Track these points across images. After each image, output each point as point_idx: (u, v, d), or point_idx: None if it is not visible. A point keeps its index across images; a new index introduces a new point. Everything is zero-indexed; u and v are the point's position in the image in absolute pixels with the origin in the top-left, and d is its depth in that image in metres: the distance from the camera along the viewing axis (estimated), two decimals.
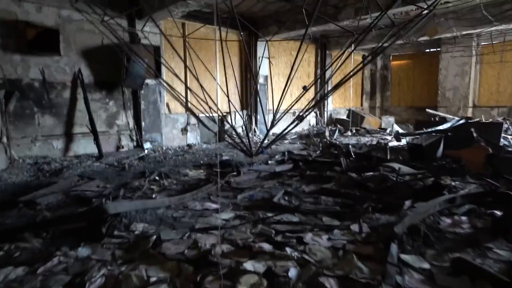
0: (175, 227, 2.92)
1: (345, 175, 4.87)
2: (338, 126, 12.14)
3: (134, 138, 7.23)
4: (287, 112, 5.71)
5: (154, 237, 2.61)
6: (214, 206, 3.59)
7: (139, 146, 7.20)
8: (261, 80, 10.02)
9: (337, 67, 4.72)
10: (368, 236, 2.71)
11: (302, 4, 8.04)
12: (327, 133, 10.11)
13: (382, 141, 9.10)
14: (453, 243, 2.60)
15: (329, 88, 12.93)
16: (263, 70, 10.21)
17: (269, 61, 10.13)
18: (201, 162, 6.24)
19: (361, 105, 15.48)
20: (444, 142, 5.85)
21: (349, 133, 11.65)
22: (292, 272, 2.06)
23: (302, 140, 9.86)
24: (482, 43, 12.63)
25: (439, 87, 13.61)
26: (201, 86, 5.53)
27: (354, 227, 2.94)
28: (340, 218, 3.19)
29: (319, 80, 12.67)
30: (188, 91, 8.28)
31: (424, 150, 5.65)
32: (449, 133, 5.48)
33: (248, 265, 2.14)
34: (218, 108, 5.95)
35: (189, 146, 8.07)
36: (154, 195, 3.76)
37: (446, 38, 12.65)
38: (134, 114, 7.22)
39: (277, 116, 5.45)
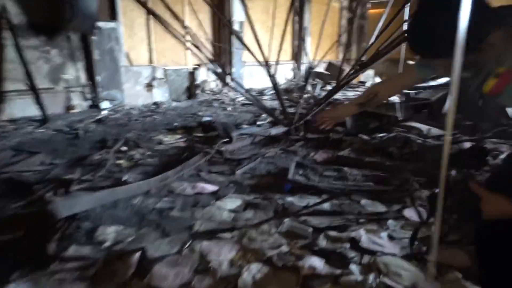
0: (165, 230, 1.99)
1: (355, 137, 4.11)
2: (317, 79, 11.30)
3: (89, 96, 5.87)
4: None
5: (137, 254, 1.67)
6: (210, 188, 2.67)
7: (95, 106, 5.89)
8: (235, 27, 8.70)
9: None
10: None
11: None
12: (309, 88, 9.25)
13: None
14: None
15: (307, 37, 11.91)
16: (238, 15, 8.86)
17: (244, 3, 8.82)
18: (175, 124, 5.16)
19: (337, 57, 14.64)
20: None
21: (329, 87, 10.90)
22: None
23: (283, 95, 8.94)
24: None
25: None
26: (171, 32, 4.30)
27: (409, 213, 2.20)
28: (382, 199, 2.44)
29: (297, 30, 11.51)
30: (153, 39, 6.88)
31: (432, 106, 5.00)
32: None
33: None
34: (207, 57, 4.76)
35: (156, 104, 6.85)
36: (125, 177, 2.74)
37: None
38: (86, 66, 5.78)
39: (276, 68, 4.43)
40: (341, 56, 14.99)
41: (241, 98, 8.03)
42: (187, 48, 3.72)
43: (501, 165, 1.36)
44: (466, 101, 4.18)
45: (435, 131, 3.77)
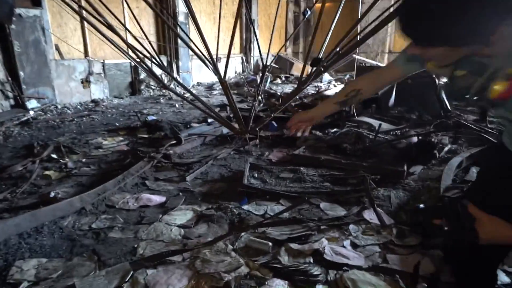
0: (102, 258, 1.68)
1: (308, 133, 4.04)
2: (267, 73, 11.23)
3: (10, 94, 5.12)
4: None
5: None
6: (157, 199, 2.39)
7: (20, 105, 5.16)
8: (181, 18, 8.23)
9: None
10: (400, 232, 1.92)
11: None
12: (259, 81, 9.11)
13: (315, 88, 8.59)
14: None
15: (256, 30, 11.75)
16: (183, 6, 8.41)
17: None
18: (117, 124, 4.69)
19: (285, 50, 14.72)
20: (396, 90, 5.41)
21: (279, 80, 10.91)
22: None
23: (233, 90, 8.71)
24: None
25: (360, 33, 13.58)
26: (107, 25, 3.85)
27: (369, 215, 2.14)
28: (340, 201, 2.36)
29: (245, 22, 11.30)
30: (86, 29, 6.20)
31: (379, 100, 5.14)
32: (409, 80, 5.02)
33: None
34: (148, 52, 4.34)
35: (95, 102, 6.23)
36: (53, 192, 2.32)
37: None
38: (5, 60, 5.02)
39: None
40: (289, 49, 15.14)
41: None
42: (124, 42, 3.32)
43: (481, 179, 1.24)
44: (424, 97, 4.25)
45: (385, 126, 3.82)
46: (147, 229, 1.95)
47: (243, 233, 1.86)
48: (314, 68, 2.80)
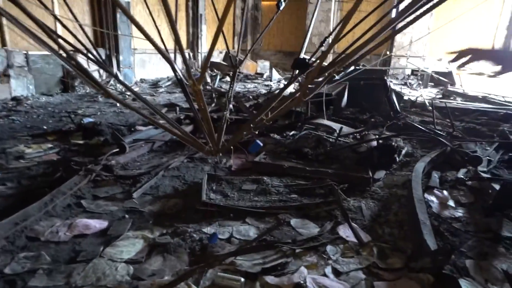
0: None
1: (266, 137, 3.82)
2: (215, 70, 10.84)
3: None
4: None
5: None
6: (97, 225, 1.95)
7: None
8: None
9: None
10: (381, 251, 1.76)
11: None
12: (208, 79, 8.71)
13: (266, 87, 8.44)
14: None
15: (203, 25, 11.26)
16: None
17: None
18: (45, 128, 4.01)
19: (233, 47, 14.42)
20: (348, 91, 5.44)
21: (228, 78, 10.60)
22: None
23: (179, 88, 8.20)
24: None
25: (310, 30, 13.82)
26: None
27: (345, 232, 1.96)
28: (311, 215, 2.15)
29: (192, 16, 10.75)
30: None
31: (333, 100, 5.11)
32: (362, 82, 5.04)
33: None
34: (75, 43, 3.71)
35: (16, 100, 5.33)
36: None
37: None
38: None
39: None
40: (236, 46, 14.87)
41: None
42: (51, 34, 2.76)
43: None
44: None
45: (344, 129, 3.74)
46: (84, 270, 1.54)
47: (207, 270, 1.54)
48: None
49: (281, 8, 2.11)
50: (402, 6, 1.28)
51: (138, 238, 1.83)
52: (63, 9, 6.36)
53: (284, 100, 1.47)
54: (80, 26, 2.51)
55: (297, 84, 5.43)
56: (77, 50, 2.56)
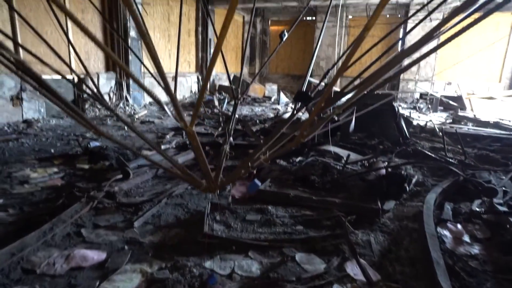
0: None
1: (272, 163, 3.76)
2: (224, 93, 10.96)
3: None
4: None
5: None
6: (95, 256, 1.89)
7: None
8: (132, 34, 7.71)
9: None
10: None
11: None
12: (216, 103, 8.79)
13: (274, 111, 8.45)
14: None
15: (211, 50, 11.50)
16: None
17: (143, 9, 7.91)
18: (52, 151, 4.04)
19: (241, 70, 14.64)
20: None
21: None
22: None
23: (188, 110, 8.28)
24: (350, 16, 13.40)
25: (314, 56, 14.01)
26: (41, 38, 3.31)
27: (352, 269, 1.85)
28: (317, 249, 2.06)
29: (201, 40, 11.01)
30: (21, 39, 5.46)
31: (341, 127, 5.06)
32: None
33: None
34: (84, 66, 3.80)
35: (27, 123, 5.43)
36: None
37: (321, 7, 12.82)
38: None
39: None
40: (245, 70, 15.12)
41: (141, 114, 7.08)
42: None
43: None
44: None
45: (352, 155, 3.67)
46: None
47: None
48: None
49: (284, 39, 2.11)
50: (408, 41, 1.25)
51: (136, 272, 1.76)
52: (76, 35, 6.57)
53: (284, 137, 1.42)
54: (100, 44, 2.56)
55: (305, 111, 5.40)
56: (88, 75, 2.59)
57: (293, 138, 1.31)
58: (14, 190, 2.77)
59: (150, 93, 0.99)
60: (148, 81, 8.34)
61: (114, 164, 3.40)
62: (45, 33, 5.83)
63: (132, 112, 7.22)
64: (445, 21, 0.96)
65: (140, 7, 7.65)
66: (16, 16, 5.24)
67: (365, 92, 1.25)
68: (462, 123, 7.08)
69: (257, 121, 6.57)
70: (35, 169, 3.32)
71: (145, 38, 0.85)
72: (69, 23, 6.31)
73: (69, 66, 1.70)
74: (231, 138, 2.75)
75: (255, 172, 2.82)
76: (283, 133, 1.47)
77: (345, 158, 3.44)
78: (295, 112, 1.83)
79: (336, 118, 4.97)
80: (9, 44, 5.42)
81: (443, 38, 1.25)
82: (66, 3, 6.22)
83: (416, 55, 1.35)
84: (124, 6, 7.17)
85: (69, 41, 6.08)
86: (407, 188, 3.05)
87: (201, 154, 1.26)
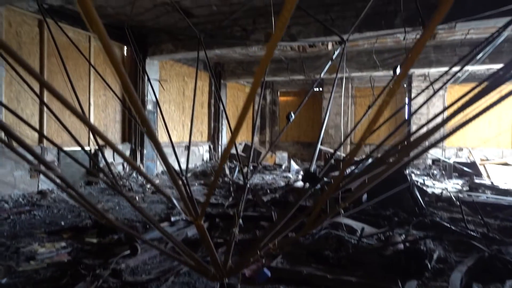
0: None
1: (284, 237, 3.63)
2: (234, 162, 11.12)
3: None
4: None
5: None
6: None
7: None
8: (149, 107, 8.19)
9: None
10: None
11: (204, 21, 6.88)
12: (227, 171, 8.87)
13: (285, 179, 8.43)
14: None
15: (223, 120, 12.01)
16: (152, 94, 8.46)
17: (160, 85, 8.52)
18: (62, 223, 4.02)
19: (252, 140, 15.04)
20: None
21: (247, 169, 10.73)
22: None
23: (199, 179, 8.33)
24: (356, 86, 14.10)
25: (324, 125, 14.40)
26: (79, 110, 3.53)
27: None
28: None
29: (213, 112, 11.57)
30: (46, 116, 5.85)
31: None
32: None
33: None
34: (99, 139, 3.99)
35: (42, 194, 5.52)
36: None
37: (328, 80, 13.57)
38: None
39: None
40: (256, 138, 15.53)
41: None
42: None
43: None
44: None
45: (367, 228, 3.53)
46: None
47: None
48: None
49: (291, 121, 2.21)
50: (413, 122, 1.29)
51: None
52: (97, 109, 7.02)
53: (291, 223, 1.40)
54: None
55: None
56: (107, 144, 2.68)
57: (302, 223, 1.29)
58: (19, 268, 2.71)
59: (158, 188, 1.01)
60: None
61: (122, 239, 3.34)
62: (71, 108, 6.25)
63: (144, 182, 7.30)
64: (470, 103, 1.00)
65: (157, 83, 8.26)
66: (44, 108, 5.68)
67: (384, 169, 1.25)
68: (480, 190, 6.87)
69: (268, 190, 6.53)
70: (43, 244, 3.28)
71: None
72: (92, 99, 6.80)
73: (89, 139, 1.79)
74: (241, 220, 2.68)
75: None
76: (290, 218, 1.46)
77: (359, 231, 3.31)
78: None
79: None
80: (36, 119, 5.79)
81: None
82: (91, 83, 6.76)
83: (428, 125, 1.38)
84: (143, 83, 7.75)
85: (89, 126, 6.48)
86: (429, 265, 2.86)
87: (210, 245, 1.24)
